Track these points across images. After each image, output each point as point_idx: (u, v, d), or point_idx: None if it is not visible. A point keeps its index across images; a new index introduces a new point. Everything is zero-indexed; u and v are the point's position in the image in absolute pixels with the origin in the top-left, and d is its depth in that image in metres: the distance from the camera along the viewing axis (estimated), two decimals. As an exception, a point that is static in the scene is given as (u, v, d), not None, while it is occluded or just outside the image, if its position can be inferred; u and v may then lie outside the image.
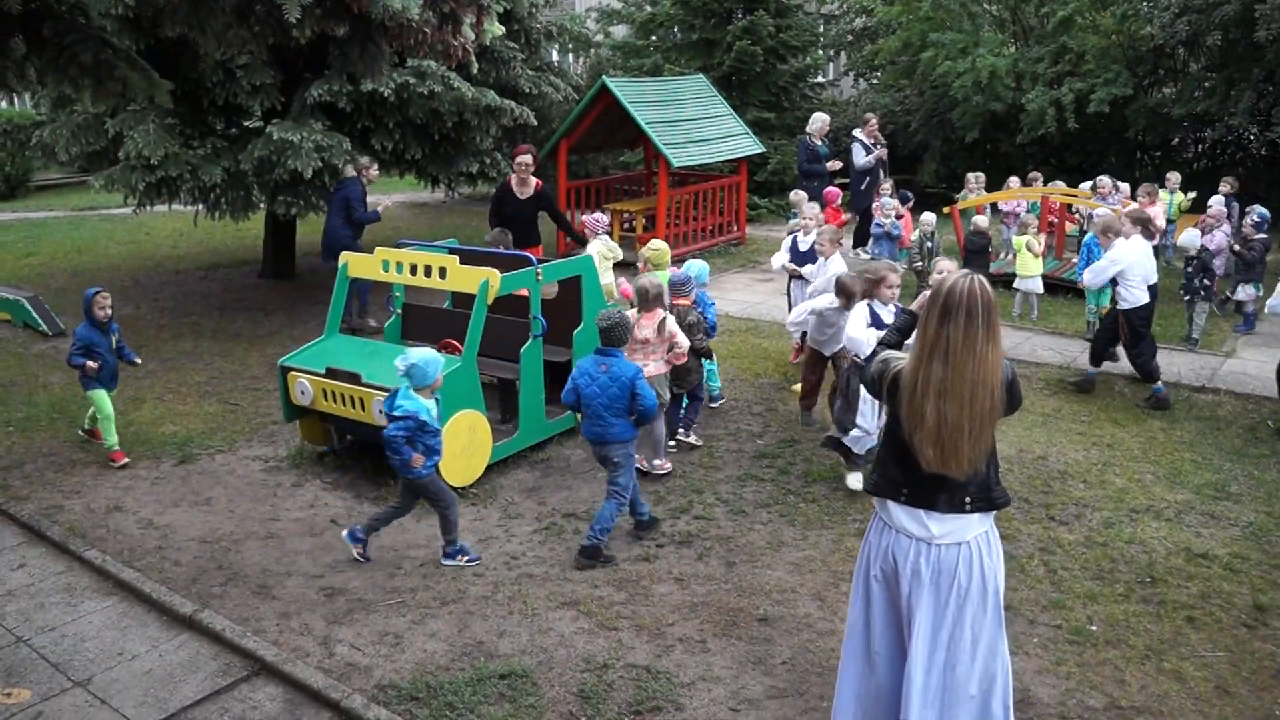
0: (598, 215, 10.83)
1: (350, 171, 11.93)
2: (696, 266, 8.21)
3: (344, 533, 6.45)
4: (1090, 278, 9.37)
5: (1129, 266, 8.95)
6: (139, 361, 8.25)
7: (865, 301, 7.18)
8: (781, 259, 10.08)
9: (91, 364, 7.60)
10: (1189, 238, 10.75)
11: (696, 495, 7.24)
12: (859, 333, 7.02)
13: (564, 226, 12.07)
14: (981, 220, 12.51)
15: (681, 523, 6.83)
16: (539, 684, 5.04)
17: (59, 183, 26.20)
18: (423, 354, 6.05)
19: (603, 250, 10.10)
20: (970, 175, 14.90)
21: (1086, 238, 11.49)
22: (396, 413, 5.96)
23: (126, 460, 7.91)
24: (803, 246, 9.91)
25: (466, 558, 6.32)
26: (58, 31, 5.23)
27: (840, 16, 23.48)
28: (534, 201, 10.96)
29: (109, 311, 7.83)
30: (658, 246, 8.98)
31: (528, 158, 10.90)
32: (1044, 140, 18.27)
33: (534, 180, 10.95)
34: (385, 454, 6.12)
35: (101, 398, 7.86)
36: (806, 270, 9.58)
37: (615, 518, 6.37)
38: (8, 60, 5.20)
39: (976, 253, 12.40)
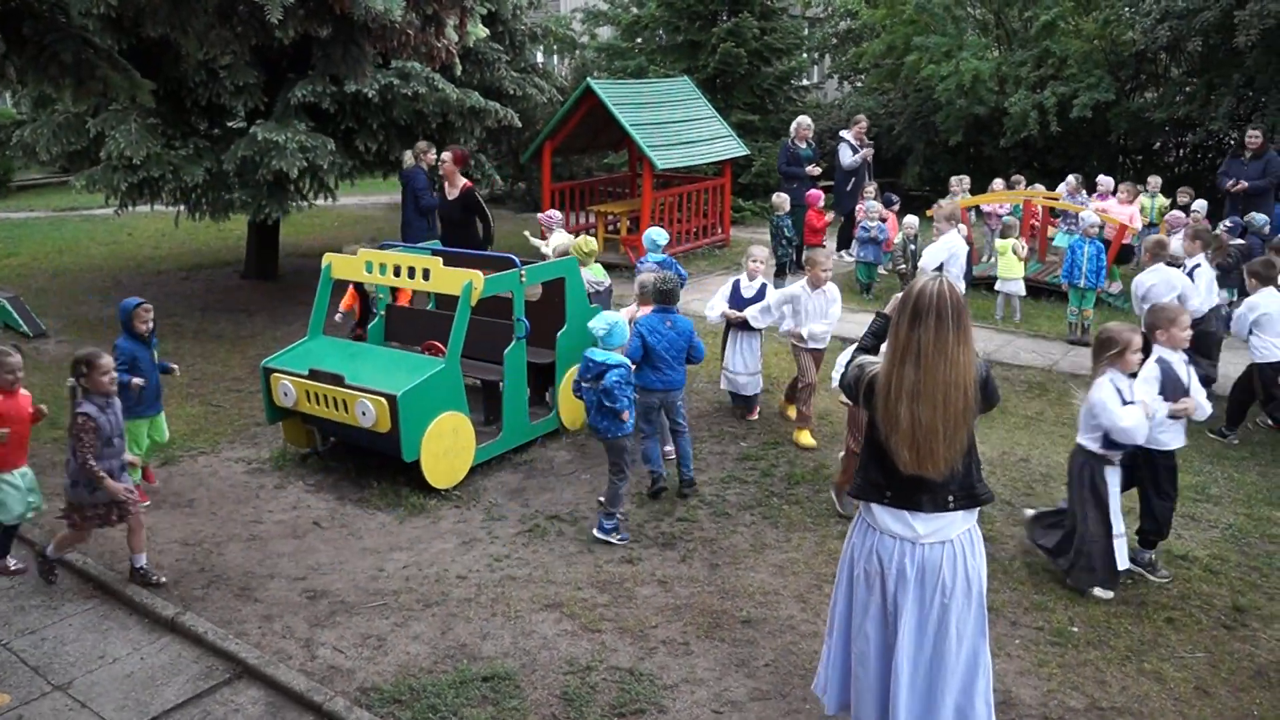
0: (551, 212, 10.88)
1: (409, 160, 12.23)
2: (655, 233, 9.09)
3: (595, 531, 6.63)
4: (1234, 328, 8.45)
5: (1268, 314, 8.12)
6: (175, 369, 7.71)
7: (1108, 375, 5.81)
8: (719, 306, 8.67)
9: (137, 380, 6.85)
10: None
11: (680, 499, 7.24)
12: (1122, 416, 5.67)
13: (487, 231, 11.18)
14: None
15: (665, 524, 6.83)
16: (522, 686, 5.03)
17: (40, 183, 26.02)
18: (616, 317, 6.73)
19: (574, 244, 9.89)
20: (954, 179, 14.95)
21: (1072, 241, 11.54)
22: (611, 362, 6.49)
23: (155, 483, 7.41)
24: (748, 292, 8.62)
25: (618, 536, 6.52)
26: (38, 30, 5.19)
27: (825, 19, 23.56)
28: (460, 202, 10.83)
29: (151, 324, 7.08)
30: (585, 241, 9.08)
31: (448, 155, 10.89)
32: (1026, 143, 18.37)
33: (462, 180, 10.88)
34: (591, 418, 6.68)
35: (140, 431, 7.09)
36: (751, 314, 8.45)
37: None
38: (-13, 59, 5.19)
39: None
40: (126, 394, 6.63)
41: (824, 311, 8.16)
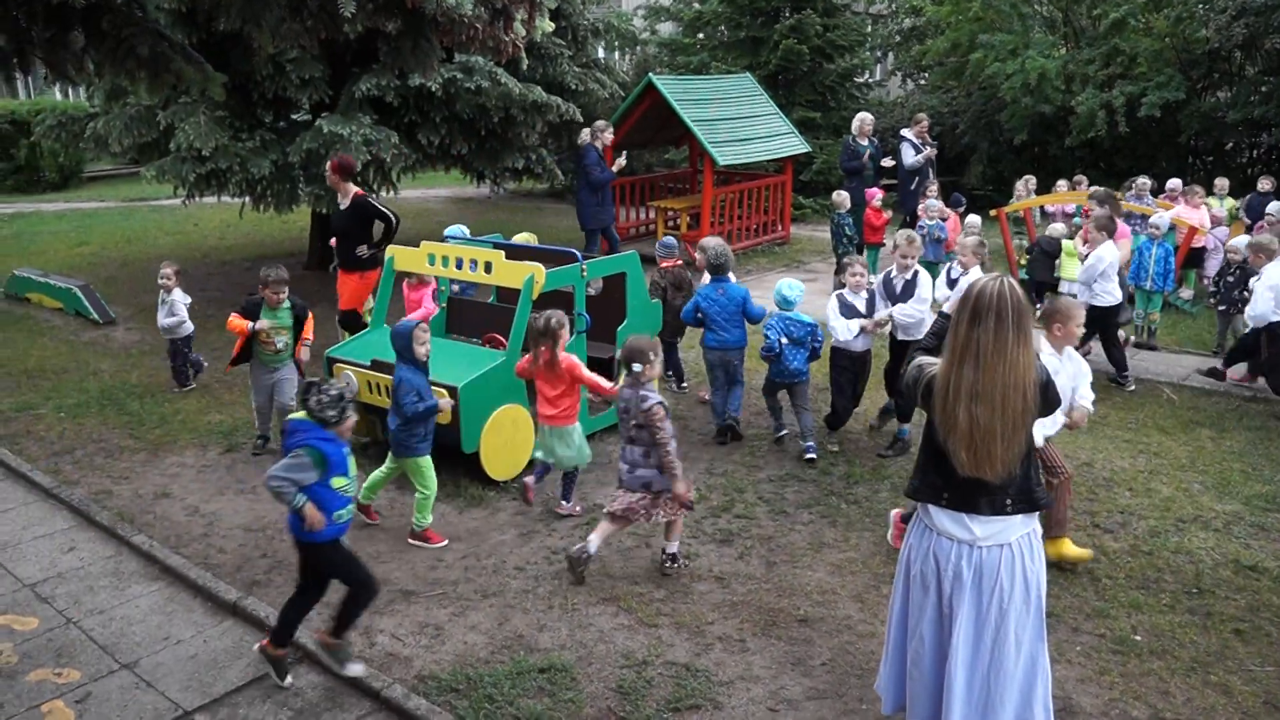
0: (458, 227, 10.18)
1: (584, 138, 12.67)
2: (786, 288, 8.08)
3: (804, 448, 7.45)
4: (1083, 276, 9.42)
5: (1112, 264, 9.13)
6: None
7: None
8: (849, 324, 7.84)
9: (445, 402, 6.48)
10: (1240, 241, 10.55)
11: (738, 494, 7.22)
12: None
13: (389, 229, 9.74)
14: (1059, 228, 12.32)
15: (722, 521, 6.82)
16: (578, 679, 5.05)
17: (110, 174, 26.59)
18: (794, 283, 7.82)
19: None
20: (1019, 181, 14.77)
21: (1139, 243, 11.33)
22: (802, 320, 7.78)
23: (444, 542, 6.56)
24: (859, 305, 7.97)
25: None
26: (115, 24, 5.30)
27: (889, 16, 23.34)
28: (352, 211, 9.71)
29: (429, 347, 6.48)
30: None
31: (329, 164, 9.86)
32: (1093, 143, 18.06)
33: (352, 189, 9.74)
34: (795, 366, 7.75)
35: (428, 467, 6.52)
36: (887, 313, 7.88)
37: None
38: (68, 52, 5.28)
39: (1051, 256, 12.19)
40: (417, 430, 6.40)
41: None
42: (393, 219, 9.74)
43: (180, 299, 9.47)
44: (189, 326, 9.54)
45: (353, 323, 9.88)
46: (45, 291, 12.72)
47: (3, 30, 4.91)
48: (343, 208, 9.81)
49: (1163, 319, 11.38)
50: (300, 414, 4.83)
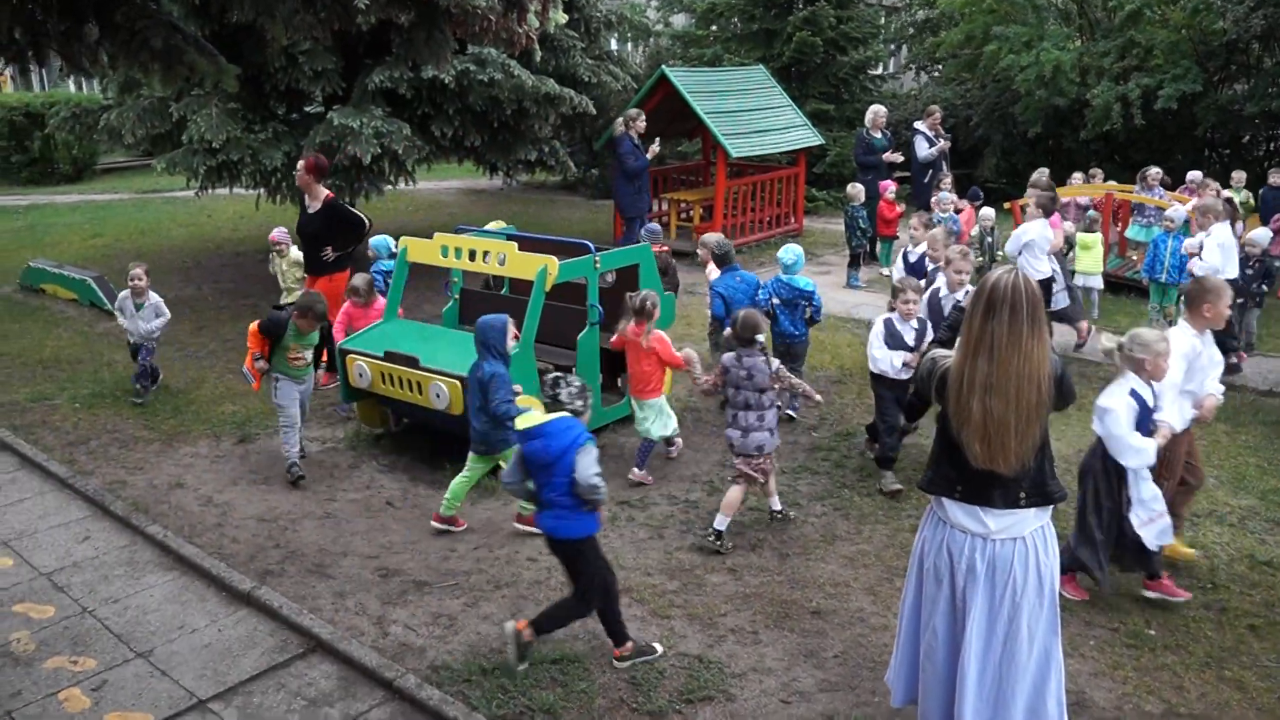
0: (279, 230, 10.14)
1: (619, 128, 12.82)
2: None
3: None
4: (1008, 248, 9.73)
5: (1034, 240, 9.40)
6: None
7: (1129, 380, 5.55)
8: (893, 356, 7.10)
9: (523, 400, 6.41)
10: (1259, 235, 10.46)
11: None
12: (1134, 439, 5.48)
13: (358, 235, 9.48)
14: (1068, 225, 12.28)
15: (735, 513, 6.80)
16: (590, 670, 5.06)
17: (123, 166, 26.66)
18: (800, 249, 8.31)
19: None
20: (1038, 171, 14.69)
21: (1155, 235, 11.27)
22: (796, 283, 8.11)
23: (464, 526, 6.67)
24: (907, 335, 7.18)
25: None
26: (129, 17, 5.31)
27: (903, 8, 23.25)
28: (323, 214, 9.35)
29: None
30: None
31: (300, 165, 9.47)
32: (1108, 136, 17.96)
33: (323, 191, 9.43)
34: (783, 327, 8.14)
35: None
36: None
37: None
38: (82, 44, 5.30)
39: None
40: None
41: None
42: (366, 222, 9.51)
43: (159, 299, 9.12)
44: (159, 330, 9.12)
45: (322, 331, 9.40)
46: (60, 283, 12.78)
47: (19, 23, 4.93)
48: (312, 210, 9.40)
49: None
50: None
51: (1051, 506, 4.03)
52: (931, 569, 4.13)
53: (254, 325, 7.34)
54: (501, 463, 6.33)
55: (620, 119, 13.36)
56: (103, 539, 6.56)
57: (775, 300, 8.22)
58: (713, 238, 8.75)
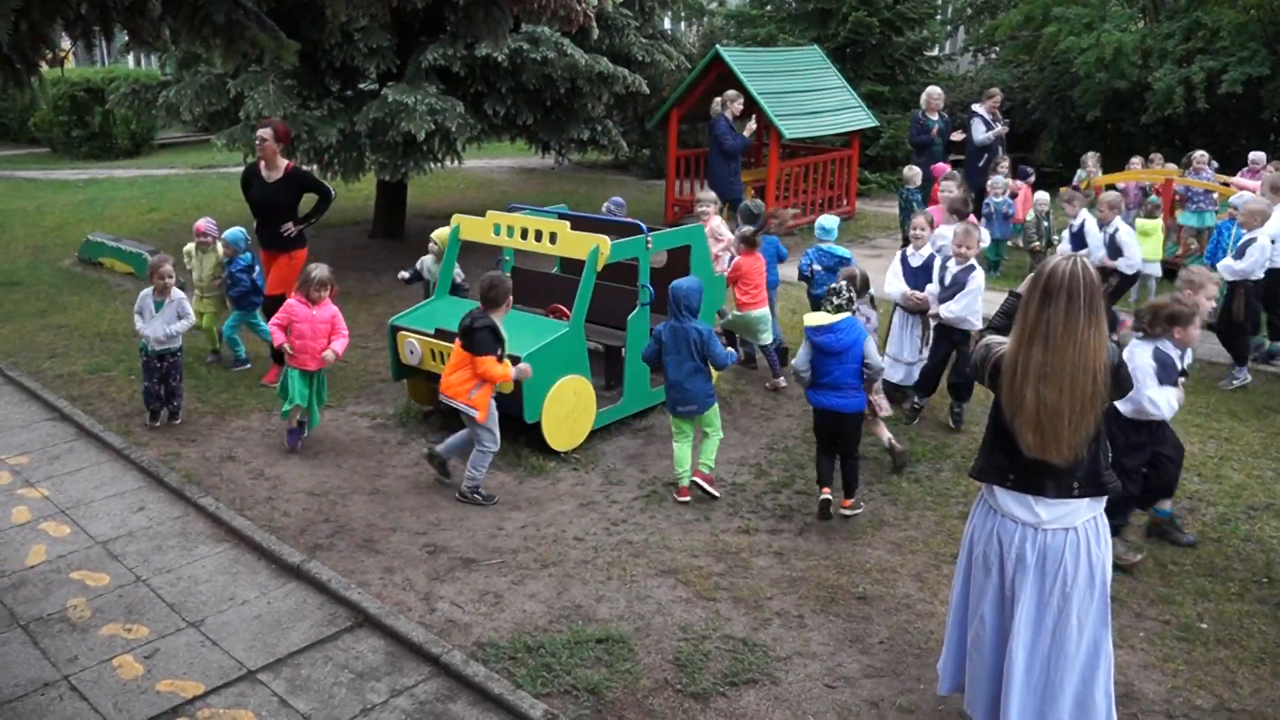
0: (206, 222, 9.29)
1: (716, 109, 12.98)
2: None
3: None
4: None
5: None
6: None
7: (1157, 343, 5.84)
8: (897, 285, 8.16)
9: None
10: None
11: (799, 470, 7.19)
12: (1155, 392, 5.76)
13: (326, 199, 9.03)
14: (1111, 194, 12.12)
15: (783, 497, 6.79)
16: (635, 650, 5.07)
17: (180, 141, 27.01)
18: (832, 215, 9.04)
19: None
20: (1088, 155, 14.45)
21: (1219, 223, 11.04)
22: (835, 251, 8.63)
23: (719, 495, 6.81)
24: (915, 262, 8.17)
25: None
26: (192, -9, 5.37)
27: (961, -11, 22.92)
28: (286, 183, 8.81)
29: None
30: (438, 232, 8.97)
31: (267, 131, 8.79)
32: (1169, 121, 17.58)
33: (283, 161, 8.88)
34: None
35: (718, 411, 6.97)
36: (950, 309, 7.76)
37: None
38: (145, 19, 5.35)
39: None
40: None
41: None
42: (331, 192, 9.02)
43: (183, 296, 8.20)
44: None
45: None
46: (117, 256, 12.97)
47: (86, -1, 5.00)
48: (273, 180, 8.80)
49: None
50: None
51: (1105, 497, 3.98)
52: (981, 557, 4.10)
53: (489, 357, 6.57)
54: (706, 429, 6.84)
55: (717, 100, 13.40)
56: (156, 510, 6.66)
57: (816, 266, 8.68)
58: (745, 204, 9.59)
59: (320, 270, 7.55)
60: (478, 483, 6.71)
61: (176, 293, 7.96)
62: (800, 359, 6.35)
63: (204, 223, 9.28)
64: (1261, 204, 9.13)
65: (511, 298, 6.81)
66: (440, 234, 8.78)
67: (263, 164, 8.88)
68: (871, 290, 7.37)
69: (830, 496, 6.36)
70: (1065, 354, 3.68)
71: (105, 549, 6.14)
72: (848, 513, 6.41)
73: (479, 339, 6.49)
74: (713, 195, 10.05)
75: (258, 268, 9.06)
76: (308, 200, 8.97)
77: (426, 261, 9.20)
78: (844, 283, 6.35)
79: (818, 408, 6.38)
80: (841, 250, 8.71)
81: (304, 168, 9.20)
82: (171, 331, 7.87)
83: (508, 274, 8.77)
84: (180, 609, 5.49)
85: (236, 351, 9.27)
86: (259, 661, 5.03)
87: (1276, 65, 16.81)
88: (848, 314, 6.20)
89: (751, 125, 13.51)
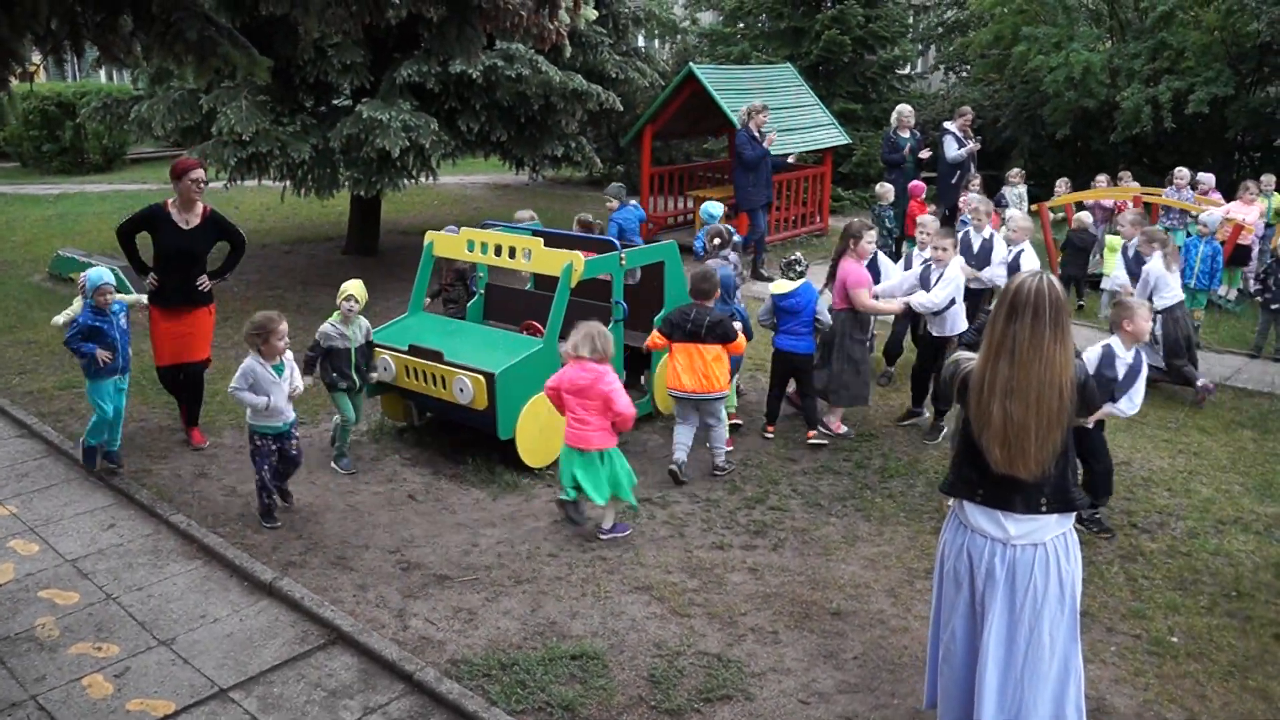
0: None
1: (742, 119, 13.16)
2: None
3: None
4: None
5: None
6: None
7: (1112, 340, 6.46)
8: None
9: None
10: None
11: (772, 486, 7.21)
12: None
13: (240, 248, 8.09)
14: (1086, 217, 12.28)
15: (756, 513, 6.81)
16: (610, 666, 5.06)
17: (153, 156, 26.83)
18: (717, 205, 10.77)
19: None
20: (1059, 181, 14.65)
21: (1187, 240, 11.18)
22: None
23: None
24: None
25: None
26: (164, 8, 5.35)
27: (932, 8, 23.14)
28: (206, 230, 7.74)
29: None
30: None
31: (200, 173, 7.63)
32: (1137, 139, 17.79)
33: (200, 204, 7.71)
34: None
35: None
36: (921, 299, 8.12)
37: None
38: (116, 35, 5.35)
39: (1079, 249, 12.16)
40: None
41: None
42: (244, 239, 8.16)
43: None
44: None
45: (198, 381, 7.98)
46: (88, 272, 12.86)
47: (56, 14, 4.98)
48: (190, 226, 7.63)
49: (1205, 318, 11.23)
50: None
51: (1074, 514, 4.01)
52: (951, 572, 4.13)
53: (741, 338, 7.56)
54: None
55: (743, 110, 13.45)
56: (127, 527, 6.61)
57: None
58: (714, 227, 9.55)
59: (266, 316, 6.53)
60: (724, 452, 7.46)
61: (288, 352, 6.67)
62: (763, 312, 8.12)
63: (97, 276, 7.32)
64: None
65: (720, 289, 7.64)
66: (352, 286, 7.41)
67: (175, 207, 7.61)
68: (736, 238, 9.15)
69: (772, 435, 8.05)
70: (1031, 369, 3.71)
71: (75, 567, 6.08)
72: (813, 441, 7.88)
73: (726, 329, 7.30)
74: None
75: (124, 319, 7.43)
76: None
77: (327, 329, 7.39)
78: (799, 254, 8.07)
79: (779, 350, 7.96)
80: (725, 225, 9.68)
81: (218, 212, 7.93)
82: (299, 392, 6.80)
83: (481, 290, 8.82)
84: (151, 627, 5.45)
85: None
86: (231, 680, 4.99)
87: (1241, 86, 17.07)
88: (802, 280, 7.87)
89: (773, 136, 13.58)
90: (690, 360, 7.24)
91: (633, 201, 12.15)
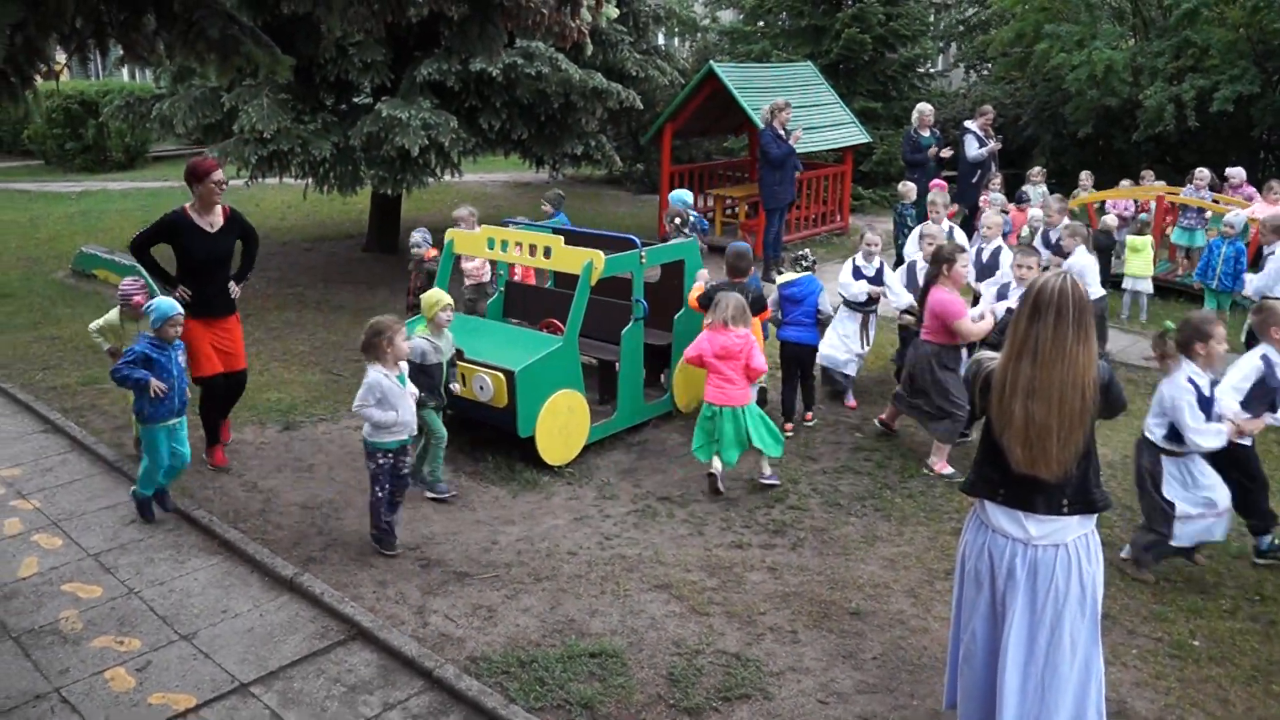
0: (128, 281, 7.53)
1: (765, 118, 13.06)
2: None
3: None
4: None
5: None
6: None
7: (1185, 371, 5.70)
8: (859, 286, 8.80)
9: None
10: None
11: (792, 485, 7.20)
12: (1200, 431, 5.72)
13: (253, 252, 7.74)
14: (1111, 220, 12.19)
15: (776, 512, 6.80)
16: (629, 664, 5.07)
17: (174, 154, 26.99)
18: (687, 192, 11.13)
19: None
20: (1082, 174, 14.56)
21: (1210, 241, 11.10)
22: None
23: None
24: (868, 272, 8.83)
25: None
26: (186, 7, 5.38)
27: (953, 6, 23.04)
28: (230, 231, 7.34)
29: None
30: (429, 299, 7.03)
31: (221, 174, 7.19)
32: (1160, 138, 17.66)
33: (219, 204, 7.29)
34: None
35: None
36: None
37: None
38: (139, 34, 5.38)
39: (1101, 251, 12.09)
40: None
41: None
42: (256, 233, 7.81)
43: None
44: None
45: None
46: (111, 268, 12.96)
47: (81, 13, 5.02)
48: (215, 230, 7.21)
49: (1230, 320, 11.13)
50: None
51: (1095, 515, 3.99)
52: (972, 572, 4.11)
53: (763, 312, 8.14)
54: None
55: (766, 108, 13.32)
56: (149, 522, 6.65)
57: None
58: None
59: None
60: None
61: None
62: (772, 301, 8.37)
63: (129, 283, 7.44)
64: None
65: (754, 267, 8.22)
66: (442, 295, 6.98)
67: (196, 211, 7.17)
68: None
69: (792, 432, 8.05)
70: (1054, 369, 3.69)
71: (97, 561, 6.12)
72: (810, 424, 8.26)
73: (763, 303, 7.94)
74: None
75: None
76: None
77: (420, 343, 6.79)
78: (807, 250, 8.45)
79: (785, 341, 8.12)
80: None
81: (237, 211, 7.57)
82: (416, 397, 6.36)
83: (502, 288, 8.84)
84: (172, 621, 5.48)
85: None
86: (251, 674, 5.02)
87: (1266, 84, 16.92)
88: (808, 273, 8.16)
89: (798, 134, 13.54)
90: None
91: (562, 214, 11.32)
